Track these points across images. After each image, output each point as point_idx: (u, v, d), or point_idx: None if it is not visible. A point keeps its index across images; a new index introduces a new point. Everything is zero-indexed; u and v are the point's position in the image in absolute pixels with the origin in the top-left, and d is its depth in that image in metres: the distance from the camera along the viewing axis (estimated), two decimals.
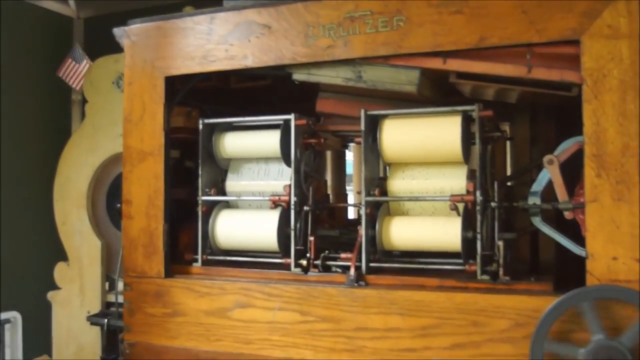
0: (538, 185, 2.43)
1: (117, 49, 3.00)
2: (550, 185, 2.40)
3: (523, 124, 2.93)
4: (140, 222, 2.84)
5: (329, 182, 3.63)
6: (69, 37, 4.69)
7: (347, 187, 4.30)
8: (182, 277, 2.81)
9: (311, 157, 2.82)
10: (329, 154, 3.65)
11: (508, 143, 3.04)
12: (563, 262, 2.72)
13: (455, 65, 2.41)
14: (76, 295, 3.58)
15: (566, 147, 2.37)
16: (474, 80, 2.44)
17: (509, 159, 3.06)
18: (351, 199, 4.19)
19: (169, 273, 2.82)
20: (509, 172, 3.04)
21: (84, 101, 3.85)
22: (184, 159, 3.13)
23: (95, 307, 3.53)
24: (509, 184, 2.93)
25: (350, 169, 4.60)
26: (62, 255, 3.71)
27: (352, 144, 3.56)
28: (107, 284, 3.61)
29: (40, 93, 4.48)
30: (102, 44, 3.53)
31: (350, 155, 4.48)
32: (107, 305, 3.57)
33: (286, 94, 3.04)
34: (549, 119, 2.92)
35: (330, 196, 3.58)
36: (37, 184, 4.10)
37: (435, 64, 2.43)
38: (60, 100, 4.50)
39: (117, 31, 2.91)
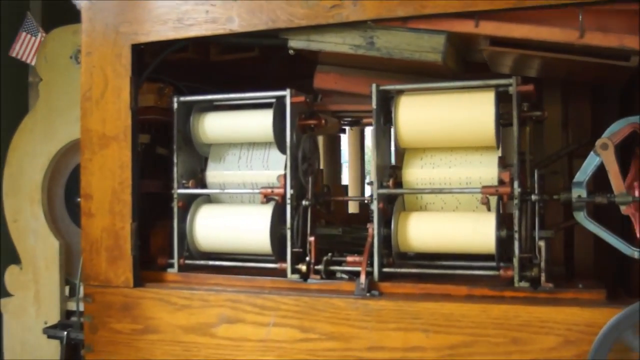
0: (583, 175, 2.05)
1: (78, 19, 2.57)
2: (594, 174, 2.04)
3: (554, 104, 2.55)
4: (103, 220, 2.43)
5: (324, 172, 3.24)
6: (26, 8, 4.26)
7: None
8: (155, 286, 2.42)
9: (309, 142, 2.41)
10: (321, 139, 3.25)
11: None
12: (604, 264, 2.39)
13: (489, 28, 2.04)
14: (31, 303, 3.25)
15: (617, 130, 2.00)
16: (514, 48, 2.06)
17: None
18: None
19: (139, 281, 2.42)
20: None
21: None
22: (156, 145, 2.71)
23: (54, 317, 3.20)
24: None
25: (345, 156, 4.29)
26: (13, 258, 3.34)
27: (348, 128, 3.17)
28: (67, 290, 3.26)
29: None
30: (63, 15, 3.19)
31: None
32: (67, 314, 3.25)
33: (276, 70, 2.68)
34: (583, 97, 2.54)
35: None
36: None
37: (466, 27, 2.06)
38: (15, 82, 4.07)
39: None
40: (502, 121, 2.16)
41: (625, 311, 1.78)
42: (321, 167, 3.20)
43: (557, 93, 2.55)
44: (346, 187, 3.84)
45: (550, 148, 2.56)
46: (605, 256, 2.15)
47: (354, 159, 4.11)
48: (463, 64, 2.37)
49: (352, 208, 3.41)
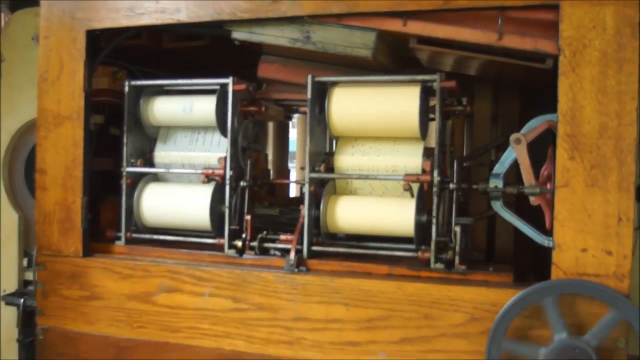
0: (501, 167, 2.20)
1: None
2: (512, 167, 2.18)
3: (485, 100, 2.71)
4: (56, 194, 2.55)
5: (270, 157, 3.36)
6: None
7: (290, 164, 4.07)
8: (103, 257, 2.53)
9: (250, 127, 2.55)
10: (271, 125, 3.38)
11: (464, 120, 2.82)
12: (522, 251, 2.55)
13: (417, 28, 2.16)
14: None
15: (534, 126, 2.14)
16: (437, 47, 2.19)
17: (465, 137, 2.84)
18: (294, 175, 3.95)
19: (88, 252, 2.54)
20: (465, 152, 2.82)
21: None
22: (109, 126, 2.83)
23: (12, 286, 3.24)
24: (465, 164, 2.71)
25: (293, 145, 4.37)
26: None
27: (296, 116, 3.30)
28: (25, 261, 3.32)
29: None
30: None
31: (294, 130, 4.25)
32: (24, 283, 3.30)
33: (225, 58, 2.77)
34: (513, 95, 2.70)
35: (271, 172, 3.32)
36: None
37: (394, 25, 2.19)
38: None
39: None
40: (432, 114, 2.31)
41: (520, 294, 1.94)
42: (269, 152, 3.36)
43: (488, 90, 2.70)
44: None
45: (480, 141, 2.71)
46: (525, 244, 2.26)
47: (300, 145, 4.20)
48: (399, 60, 2.50)
49: (295, 192, 3.54)
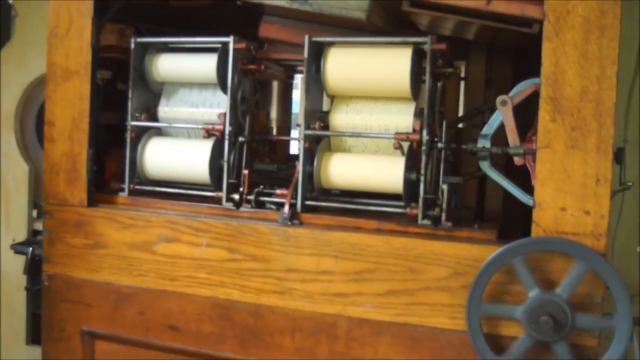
0: (489, 128, 2.26)
1: None
2: (502, 129, 2.24)
3: (479, 64, 2.77)
4: (63, 145, 2.65)
5: (274, 116, 3.44)
6: None
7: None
8: (106, 207, 2.63)
9: (250, 84, 2.63)
10: (275, 85, 3.45)
11: (462, 83, 2.87)
12: (511, 210, 2.62)
13: None
14: (1, 221, 3.40)
15: (522, 89, 2.20)
16: (429, 10, 2.25)
17: (462, 99, 2.90)
18: (296, 134, 4.01)
19: (92, 202, 2.64)
20: (461, 114, 2.88)
21: None
22: (117, 81, 2.90)
23: (21, 236, 3.37)
24: (460, 125, 2.78)
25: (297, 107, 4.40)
26: None
27: (299, 76, 3.36)
28: (35, 212, 3.44)
29: None
30: None
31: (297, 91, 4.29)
32: (33, 233, 3.42)
33: (231, 17, 2.85)
34: (506, 60, 2.76)
35: (274, 129, 3.40)
36: None
37: None
38: None
39: None
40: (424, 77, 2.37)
41: (500, 249, 2.02)
42: (273, 111, 3.44)
43: (482, 54, 2.75)
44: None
45: (474, 104, 2.78)
46: (513, 204, 2.29)
47: (302, 105, 4.24)
48: (397, 23, 2.56)
49: (295, 149, 3.58)
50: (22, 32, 3.31)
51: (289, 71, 2.87)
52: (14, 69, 3.32)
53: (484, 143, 2.26)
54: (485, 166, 2.29)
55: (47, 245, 2.70)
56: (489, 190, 2.72)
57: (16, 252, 3.17)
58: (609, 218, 2.00)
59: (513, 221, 2.56)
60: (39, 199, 3.42)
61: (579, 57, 1.99)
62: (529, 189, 2.13)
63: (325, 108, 2.57)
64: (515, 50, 2.71)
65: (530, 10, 2.10)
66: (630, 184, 2.49)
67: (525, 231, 2.10)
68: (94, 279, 2.61)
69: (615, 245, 2.69)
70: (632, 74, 2.68)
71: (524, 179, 2.19)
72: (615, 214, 2.70)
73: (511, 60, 2.75)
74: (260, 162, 2.76)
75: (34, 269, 3.08)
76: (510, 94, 2.20)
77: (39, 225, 3.38)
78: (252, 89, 2.67)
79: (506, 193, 2.27)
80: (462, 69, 2.85)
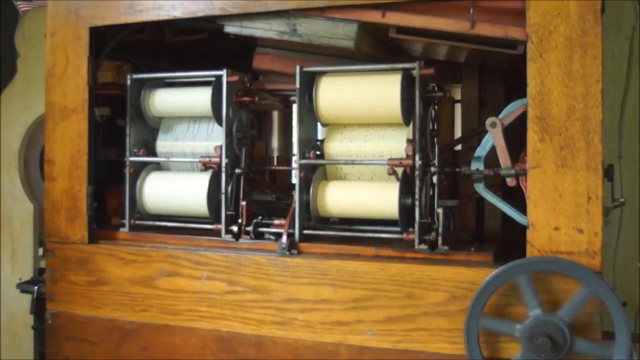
0: (482, 150, 2.28)
1: None
2: (495, 150, 2.25)
3: (472, 86, 2.80)
4: (63, 183, 2.68)
5: (275, 145, 3.47)
6: None
7: None
8: (107, 243, 2.66)
9: (245, 116, 2.65)
10: (275, 115, 3.49)
11: (458, 107, 2.90)
12: (509, 231, 2.62)
13: (394, 18, 2.26)
14: (7, 261, 3.44)
15: (512, 110, 2.22)
16: (415, 36, 2.29)
17: (459, 122, 2.92)
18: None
19: (94, 239, 2.67)
20: (457, 136, 2.90)
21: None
22: (115, 117, 2.95)
23: (28, 274, 3.39)
24: (457, 148, 2.80)
25: None
26: None
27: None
28: (40, 250, 3.47)
29: None
30: None
31: None
32: (39, 271, 3.44)
33: (225, 50, 2.88)
34: (498, 81, 2.79)
35: (275, 159, 3.42)
36: None
37: (374, 17, 2.28)
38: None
39: None
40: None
41: (492, 275, 2.02)
42: (274, 140, 3.47)
43: (474, 76, 2.78)
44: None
45: (468, 125, 2.80)
46: (512, 225, 2.27)
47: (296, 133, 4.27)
48: (387, 50, 2.59)
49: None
50: (25, 72, 3.37)
51: (286, 101, 2.89)
52: (17, 108, 3.38)
53: (477, 165, 2.28)
54: (480, 188, 2.30)
55: (50, 284, 2.73)
56: (487, 211, 2.73)
57: (22, 291, 3.19)
58: (604, 235, 2.01)
59: (513, 241, 2.55)
60: (45, 237, 3.45)
61: (564, 76, 2.01)
62: (524, 209, 2.14)
63: (322, 136, 2.59)
64: (507, 71, 2.73)
65: (514, 32, 2.13)
66: (622, 200, 2.49)
67: (523, 251, 2.10)
68: (97, 316, 2.62)
69: (616, 261, 2.68)
70: (622, 89, 2.69)
71: (522, 199, 2.19)
72: (614, 230, 2.69)
73: (503, 81, 2.77)
74: (260, 192, 2.79)
75: (40, 307, 3.08)
76: (501, 115, 2.22)
77: (44, 263, 3.40)
78: (250, 120, 2.69)
79: (505, 213, 2.27)
80: (458, 91, 2.88)
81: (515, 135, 2.26)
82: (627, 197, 2.63)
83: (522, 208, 2.15)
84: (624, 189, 2.69)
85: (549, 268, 2.01)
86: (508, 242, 2.58)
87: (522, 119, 2.16)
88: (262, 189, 2.88)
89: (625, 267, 2.71)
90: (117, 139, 2.85)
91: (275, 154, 3.51)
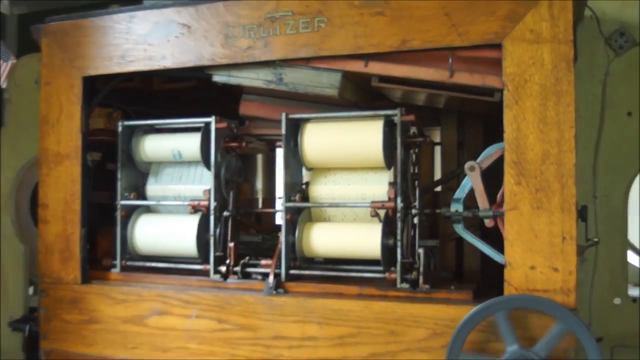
0: (461, 192, 2.38)
1: None
2: (474, 191, 2.34)
3: (451, 129, 2.90)
4: (57, 226, 2.77)
5: (260, 187, 3.57)
6: (2, 35, 4.59)
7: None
8: (99, 284, 2.74)
9: (232, 161, 2.75)
10: (259, 157, 3.59)
11: (438, 149, 3.00)
12: (488, 270, 2.70)
13: (376, 68, 2.38)
14: None
15: (490, 154, 2.32)
16: (396, 85, 2.40)
17: (439, 164, 3.02)
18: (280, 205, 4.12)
19: (86, 279, 2.75)
20: (437, 178, 3.00)
21: None
22: (106, 162, 3.03)
23: (19, 312, 3.43)
24: (437, 189, 2.90)
25: None
26: None
27: (280, 150, 3.50)
28: (31, 289, 3.52)
29: None
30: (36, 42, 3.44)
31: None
32: (30, 310, 3.49)
33: (212, 96, 2.97)
34: (477, 125, 2.89)
35: (260, 201, 3.52)
36: None
37: (357, 66, 2.40)
38: None
39: (35, 29, 2.82)
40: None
41: (470, 313, 2.11)
42: (259, 183, 3.56)
43: (454, 120, 2.89)
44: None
45: (448, 168, 2.90)
46: (491, 264, 2.37)
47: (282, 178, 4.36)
48: (369, 96, 2.70)
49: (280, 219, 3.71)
50: (15, 117, 3.43)
51: (270, 145, 2.98)
52: (8, 153, 3.43)
53: (456, 207, 2.37)
54: (460, 229, 2.39)
55: (43, 323, 2.79)
56: (466, 250, 2.81)
57: (14, 329, 3.25)
58: (578, 273, 2.11)
59: (492, 279, 2.64)
60: (35, 276, 3.50)
61: (539, 123, 2.11)
62: (503, 249, 2.22)
63: (307, 178, 2.68)
64: (484, 115, 2.84)
65: (491, 80, 2.24)
66: (596, 239, 2.59)
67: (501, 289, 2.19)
68: (90, 354, 2.69)
69: (592, 297, 2.77)
70: (596, 131, 2.80)
71: (500, 238, 2.27)
72: (590, 267, 2.79)
73: (481, 124, 2.88)
74: (246, 233, 2.87)
75: (31, 345, 3.14)
76: (479, 159, 2.32)
77: (34, 302, 3.45)
78: (235, 164, 2.78)
79: (484, 252, 2.35)
80: (438, 134, 2.99)
81: (494, 176, 2.34)
82: (601, 235, 2.74)
83: (500, 247, 2.23)
84: (599, 228, 2.78)
85: (524, 305, 2.10)
86: (487, 280, 2.67)
87: (500, 160, 2.26)
88: (248, 230, 2.97)
89: (601, 303, 2.79)
90: (108, 183, 2.93)
91: (260, 196, 3.59)
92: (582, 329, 2.03)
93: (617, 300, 2.80)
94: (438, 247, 2.57)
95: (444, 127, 2.91)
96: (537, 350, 2.05)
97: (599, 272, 2.83)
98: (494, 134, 2.43)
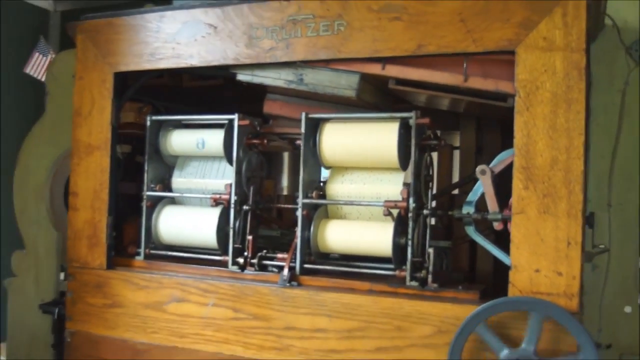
0: (474, 195, 2.43)
1: None
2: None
3: (470, 134, 2.95)
4: (86, 214, 2.89)
5: (285, 184, 3.65)
6: (46, 30, 4.74)
7: None
8: (123, 270, 2.85)
9: (255, 157, 2.83)
10: (286, 155, 3.68)
11: (457, 152, 3.06)
12: (501, 273, 2.73)
13: (393, 71, 2.44)
14: (31, 283, 3.55)
15: (503, 159, 2.37)
16: (412, 88, 2.46)
17: (458, 168, 3.07)
18: None
19: (111, 265, 2.87)
20: (455, 181, 3.06)
21: None
22: (135, 154, 3.15)
23: (50, 296, 3.53)
24: (455, 192, 2.95)
25: None
26: (20, 244, 3.66)
27: None
28: (62, 274, 3.62)
29: (16, 84, 4.60)
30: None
31: None
32: (61, 294, 3.59)
33: (238, 94, 3.07)
34: (495, 130, 2.94)
35: (284, 197, 3.60)
36: (6, 173, 4.11)
37: (374, 69, 2.46)
38: (35, 91, 4.58)
39: (71, 26, 2.94)
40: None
41: (477, 309, 2.17)
42: (285, 179, 3.65)
43: (473, 125, 2.94)
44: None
45: (466, 171, 2.96)
46: (504, 267, 2.38)
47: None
48: (389, 97, 2.76)
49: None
50: (53, 109, 3.56)
51: (292, 143, 3.06)
52: (45, 143, 3.54)
53: (468, 209, 2.43)
54: (471, 231, 2.45)
55: (69, 305, 2.93)
56: (479, 253, 2.86)
57: (44, 312, 3.37)
58: (583, 278, 2.14)
59: (503, 282, 2.68)
60: (66, 262, 3.60)
61: (549, 129, 2.16)
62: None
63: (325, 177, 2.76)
64: (503, 121, 2.88)
65: (504, 85, 2.29)
66: (603, 246, 2.63)
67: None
68: (112, 336, 2.81)
69: (602, 304, 2.80)
70: (613, 140, 2.82)
71: None
72: (602, 274, 2.82)
73: (500, 130, 2.93)
74: (267, 228, 2.96)
75: (60, 327, 3.25)
76: (492, 164, 2.38)
77: (65, 287, 3.54)
78: (260, 162, 2.88)
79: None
80: (457, 138, 3.04)
81: (509, 181, 2.40)
82: (614, 243, 2.77)
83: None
84: (613, 236, 2.81)
85: (502, 309, 2.18)
86: (500, 283, 2.71)
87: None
88: (269, 224, 3.05)
89: (612, 311, 2.81)
90: (136, 174, 3.07)
91: (285, 192, 3.68)
92: (558, 312, 2.09)
93: (627, 309, 2.83)
94: (451, 249, 2.62)
95: (463, 131, 2.97)
96: (525, 347, 2.11)
97: (610, 279, 2.85)
98: (512, 139, 2.49)
